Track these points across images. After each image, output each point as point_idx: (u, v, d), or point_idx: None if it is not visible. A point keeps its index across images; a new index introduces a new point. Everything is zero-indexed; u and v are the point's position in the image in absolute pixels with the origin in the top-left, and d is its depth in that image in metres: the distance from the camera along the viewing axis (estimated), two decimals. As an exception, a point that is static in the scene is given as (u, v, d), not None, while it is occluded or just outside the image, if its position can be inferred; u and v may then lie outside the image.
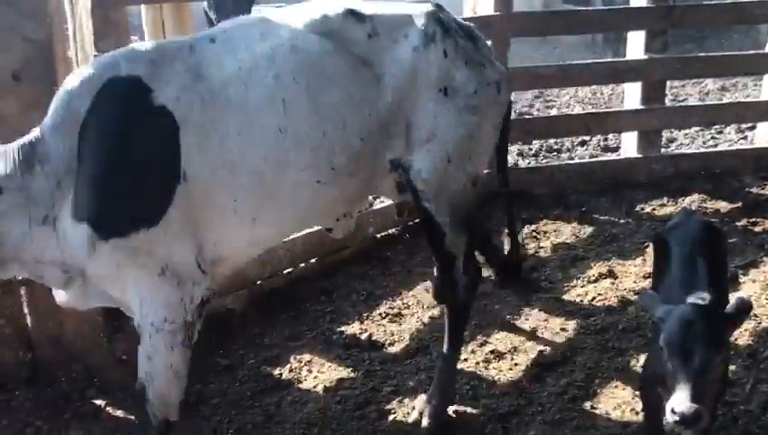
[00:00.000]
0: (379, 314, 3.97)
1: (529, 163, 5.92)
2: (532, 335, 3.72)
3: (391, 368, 3.52)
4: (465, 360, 3.49)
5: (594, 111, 7.02)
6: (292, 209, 2.69)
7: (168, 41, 2.83)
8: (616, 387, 3.31)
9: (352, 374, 3.50)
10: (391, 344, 3.72)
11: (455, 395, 3.18)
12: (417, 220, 3.44)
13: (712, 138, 6.36)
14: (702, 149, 6.05)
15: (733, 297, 2.30)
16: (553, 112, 7.25)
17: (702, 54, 5.69)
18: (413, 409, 3.19)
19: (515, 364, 3.51)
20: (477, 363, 3.52)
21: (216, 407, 3.31)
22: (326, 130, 2.62)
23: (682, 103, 7.17)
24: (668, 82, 5.87)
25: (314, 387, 3.42)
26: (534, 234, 4.76)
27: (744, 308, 2.20)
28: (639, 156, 5.49)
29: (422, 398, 3.18)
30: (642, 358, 3.27)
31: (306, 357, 3.63)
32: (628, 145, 5.66)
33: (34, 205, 2.38)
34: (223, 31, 2.67)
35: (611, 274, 4.21)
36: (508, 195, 3.36)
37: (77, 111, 2.39)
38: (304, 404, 3.30)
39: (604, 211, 5.03)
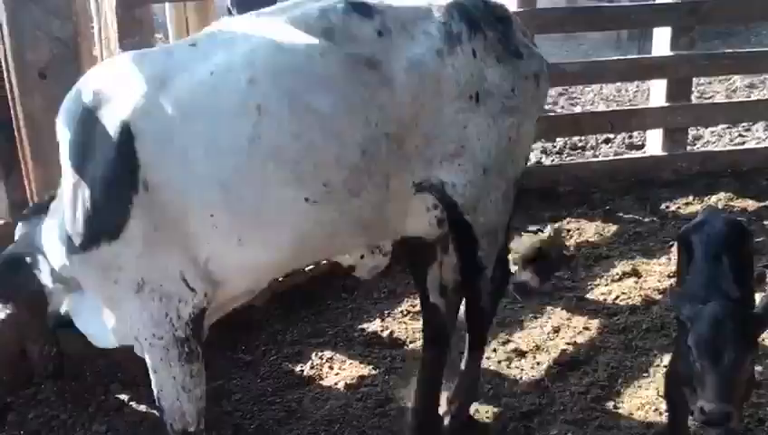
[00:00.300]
0: (401, 312, 3.96)
1: (553, 161, 5.87)
2: (554, 334, 3.70)
3: (413, 366, 3.51)
4: (488, 358, 3.46)
5: (619, 108, 6.96)
6: (282, 232, 2.37)
7: (163, 46, 2.72)
8: (639, 387, 3.28)
9: (373, 372, 3.50)
10: (412, 342, 3.71)
11: (477, 394, 3.17)
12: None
13: (739, 135, 6.27)
14: (729, 147, 5.96)
15: (759, 296, 2.27)
16: (578, 110, 7.19)
17: (729, 51, 5.61)
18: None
19: (537, 363, 3.49)
20: (499, 362, 3.51)
21: (238, 403, 3.33)
22: (313, 139, 2.28)
23: (708, 101, 7.07)
24: (695, 80, 5.81)
25: (335, 384, 3.42)
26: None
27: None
28: (665, 154, 5.43)
29: (444, 396, 3.17)
30: (666, 358, 3.24)
31: (327, 354, 3.64)
32: (654, 143, 5.60)
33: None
34: (210, 33, 2.46)
35: (635, 273, 4.17)
36: None
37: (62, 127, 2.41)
38: (325, 401, 3.31)
39: (628, 209, 4.98)
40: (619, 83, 7.61)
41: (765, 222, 4.70)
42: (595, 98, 7.57)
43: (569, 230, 4.75)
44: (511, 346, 3.61)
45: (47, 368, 3.40)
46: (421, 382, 3.01)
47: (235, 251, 2.35)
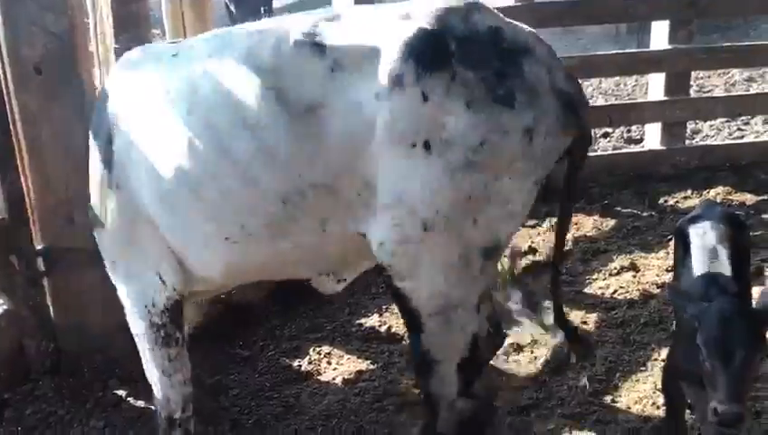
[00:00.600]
0: (399, 307, 3.96)
1: (551, 155, 5.86)
2: (552, 328, 3.69)
3: (410, 360, 3.52)
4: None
5: (617, 102, 6.95)
6: (213, 258, 2.38)
7: (166, 46, 2.66)
8: (637, 381, 3.27)
9: (371, 366, 3.49)
10: (410, 337, 3.71)
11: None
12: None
13: (738, 129, 6.26)
14: (727, 141, 5.95)
15: (756, 290, 2.26)
16: (576, 104, 7.17)
17: (728, 44, 5.58)
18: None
19: (535, 357, 3.49)
20: (497, 356, 3.50)
21: (236, 398, 3.33)
22: (229, 184, 2.19)
23: (707, 94, 7.07)
24: (693, 73, 5.79)
25: (333, 379, 3.42)
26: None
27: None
28: (663, 148, 5.42)
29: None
30: (664, 352, 3.23)
31: (325, 349, 3.64)
32: (652, 137, 5.60)
33: None
34: (191, 45, 2.45)
35: (633, 267, 4.17)
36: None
37: None
38: (323, 396, 3.31)
39: (627, 204, 4.98)
40: (617, 77, 7.61)
41: (764, 215, 4.69)
42: (594, 92, 7.56)
43: (567, 224, 4.75)
44: (508, 340, 3.58)
45: (44, 364, 3.40)
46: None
47: (189, 258, 2.44)
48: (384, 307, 3.95)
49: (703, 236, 2.55)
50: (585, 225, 4.73)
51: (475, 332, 2.28)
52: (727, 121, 6.33)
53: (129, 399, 3.31)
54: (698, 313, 2.13)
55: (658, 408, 3.03)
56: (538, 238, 4.58)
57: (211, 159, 2.21)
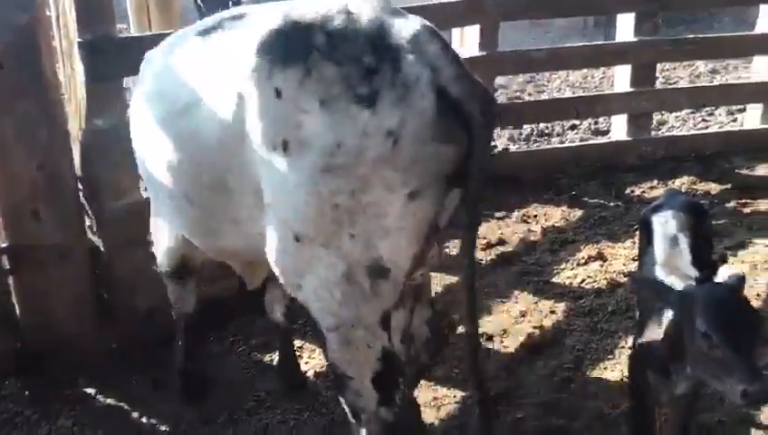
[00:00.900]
0: (370, 300, 3.96)
1: (519, 147, 5.92)
2: (521, 318, 3.73)
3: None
4: (454, 343, 3.49)
5: (584, 94, 7.01)
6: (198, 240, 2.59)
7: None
8: (605, 369, 3.32)
9: (343, 359, 3.50)
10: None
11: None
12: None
13: (702, 120, 6.37)
14: (692, 132, 6.05)
15: (722, 274, 2.27)
16: (544, 97, 7.24)
17: (692, 36, 5.66)
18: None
19: (505, 347, 3.52)
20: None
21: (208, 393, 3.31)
22: (163, 187, 2.43)
23: (672, 86, 7.17)
24: (659, 65, 5.86)
25: (305, 373, 3.42)
26: (524, 217, 4.77)
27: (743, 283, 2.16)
28: (629, 139, 5.49)
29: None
30: (631, 340, 3.28)
31: (297, 343, 3.63)
32: (619, 128, 5.67)
33: None
34: (171, 44, 2.52)
35: (601, 256, 4.22)
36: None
37: None
38: (295, 390, 3.30)
39: (594, 194, 5.04)
40: (585, 70, 7.68)
41: (728, 205, 4.78)
42: (561, 85, 7.63)
43: (535, 216, 4.79)
44: (479, 330, 3.63)
45: (10, 363, 3.35)
46: None
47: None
48: (355, 300, 3.95)
49: (665, 225, 2.59)
50: (553, 215, 4.78)
51: (385, 346, 2.10)
52: (692, 112, 6.43)
53: (98, 396, 3.28)
54: (678, 299, 2.12)
55: (626, 394, 3.08)
56: (507, 229, 4.62)
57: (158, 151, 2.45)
